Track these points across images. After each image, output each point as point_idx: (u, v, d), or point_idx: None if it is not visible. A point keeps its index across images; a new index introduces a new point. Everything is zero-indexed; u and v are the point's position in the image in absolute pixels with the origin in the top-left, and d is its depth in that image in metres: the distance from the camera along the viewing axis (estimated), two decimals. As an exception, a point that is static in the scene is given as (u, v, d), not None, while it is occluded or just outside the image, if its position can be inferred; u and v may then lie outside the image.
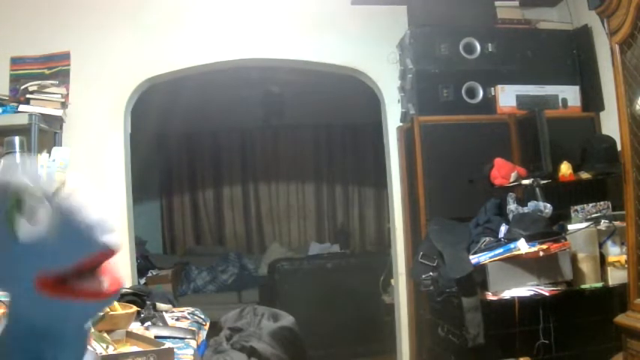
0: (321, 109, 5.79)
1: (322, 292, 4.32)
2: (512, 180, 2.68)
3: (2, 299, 1.59)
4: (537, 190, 2.59)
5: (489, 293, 2.31)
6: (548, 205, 2.48)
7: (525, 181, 2.67)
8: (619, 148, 2.20)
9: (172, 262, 5.91)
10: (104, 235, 0.78)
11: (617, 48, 2.02)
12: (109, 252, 0.79)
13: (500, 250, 2.32)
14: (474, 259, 2.35)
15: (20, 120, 2.59)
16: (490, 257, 2.33)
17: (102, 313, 0.91)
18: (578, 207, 2.61)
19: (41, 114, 2.65)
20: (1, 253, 0.79)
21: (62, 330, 0.83)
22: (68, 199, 0.78)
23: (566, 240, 2.38)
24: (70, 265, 0.77)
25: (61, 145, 2.79)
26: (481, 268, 2.33)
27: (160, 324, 1.99)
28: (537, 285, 2.32)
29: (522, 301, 2.28)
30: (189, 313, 2.20)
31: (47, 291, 0.77)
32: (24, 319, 0.83)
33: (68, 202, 0.78)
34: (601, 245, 2.44)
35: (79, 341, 0.87)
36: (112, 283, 0.82)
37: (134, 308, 1.87)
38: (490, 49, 3.05)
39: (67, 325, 0.83)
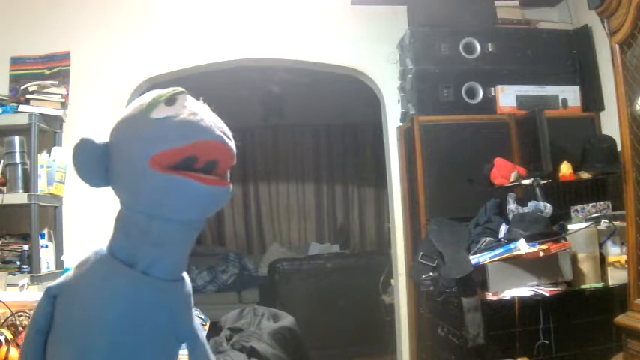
0: (321, 109, 5.79)
1: (322, 292, 4.32)
2: (512, 180, 2.68)
3: (2, 300, 1.59)
4: (537, 190, 2.59)
5: (489, 293, 2.30)
6: (548, 205, 2.48)
7: (525, 181, 2.67)
8: (619, 148, 2.20)
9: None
10: (220, 133, 0.92)
11: (617, 48, 2.02)
12: (220, 144, 0.91)
13: (500, 250, 2.32)
14: (473, 259, 2.35)
15: (20, 120, 2.60)
16: (490, 257, 2.32)
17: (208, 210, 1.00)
18: (578, 207, 2.61)
19: (41, 114, 2.65)
20: (136, 126, 0.93)
21: (167, 211, 0.93)
22: (197, 101, 0.96)
23: (566, 240, 2.38)
24: (186, 145, 0.89)
25: (61, 145, 2.79)
26: (481, 268, 2.33)
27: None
28: (537, 285, 2.32)
29: (522, 301, 2.28)
30: (189, 313, 2.20)
31: (160, 168, 0.89)
32: (134, 195, 0.95)
33: (197, 102, 0.95)
34: (601, 245, 2.44)
35: (183, 233, 0.96)
36: (219, 180, 0.93)
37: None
38: (490, 49, 3.05)
39: (176, 206, 0.92)
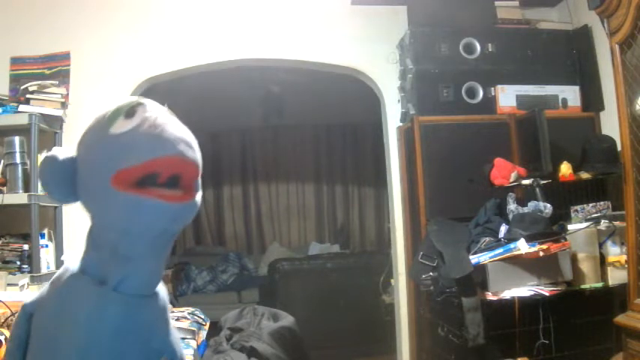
0: (321, 109, 5.79)
1: (322, 292, 4.33)
2: (512, 180, 2.68)
3: (2, 300, 1.60)
4: (537, 190, 2.59)
5: (489, 293, 2.30)
6: (548, 205, 2.48)
7: (525, 181, 2.67)
8: (619, 148, 2.20)
9: (172, 262, 5.91)
10: (181, 146, 0.89)
11: (617, 48, 2.02)
12: (181, 159, 0.88)
13: (500, 250, 2.32)
14: (473, 259, 2.35)
15: (20, 120, 2.60)
16: (490, 257, 2.32)
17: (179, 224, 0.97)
18: (578, 207, 2.61)
19: (41, 114, 2.65)
20: (96, 143, 0.92)
21: (132, 228, 0.90)
22: (160, 112, 0.93)
23: (566, 240, 2.38)
24: (146, 161, 0.86)
25: (61, 145, 2.79)
26: (481, 268, 2.33)
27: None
28: (537, 285, 2.32)
29: (522, 301, 2.28)
30: (189, 313, 2.20)
31: (121, 186, 0.86)
32: (99, 212, 0.94)
33: (159, 113, 0.92)
34: (601, 245, 2.44)
35: (152, 247, 0.93)
36: (183, 194, 0.90)
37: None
38: (490, 49, 3.05)
39: (139, 224, 0.90)
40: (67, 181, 0.94)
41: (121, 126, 0.89)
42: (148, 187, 0.87)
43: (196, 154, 0.92)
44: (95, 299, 0.92)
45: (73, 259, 1.01)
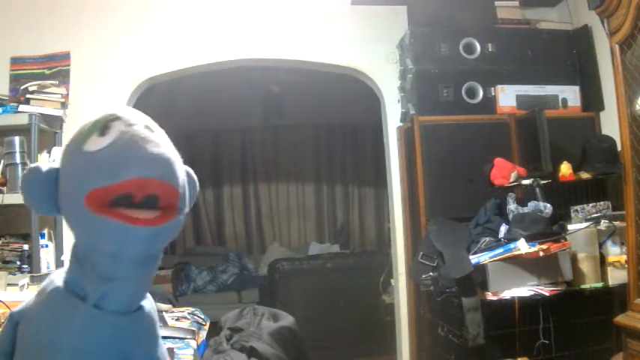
0: (321, 109, 5.79)
1: (322, 292, 4.32)
2: (512, 180, 2.68)
3: (2, 300, 1.60)
4: (537, 190, 2.59)
5: (489, 293, 2.30)
6: (548, 205, 2.48)
7: (525, 181, 2.67)
8: (619, 148, 2.20)
9: (172, 262, 5.91)
10: (157, 166, 0.85)
11: (617, 48, 2.02)
12: (156, 181, 0.84)
13: (500, 250, 2.32)
14: (473, 259, 2.35)
15: (20, 120, 2.59)
16: (490, 257, 2.32)
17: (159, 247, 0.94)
18: (578, 207, 2.61)
19: (41, 114, 2.65)
20: (71, 159, 0.89)
21: (108, 249, 0.88)
22: (138, 126, 0.88)
23: (566, 240, 2.38)
24: (118, 182, 0.82)
25: (61, 145, 2.79)
26: (481, 268, 2.33)
27: (160, 324, 1.99)
28: (537, 285, 2.32)
29: (522, 301, 2.28)
30: (189, 313, 2.20)
31: (93, 207, 0.83)
32: (76, 230, 0.91)
33: (135, 129, 0.87)
34: (601, 245, 2.44)
35: (132, 268, 0.90)
36: (159, 216, 0.86)
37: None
38: (490, 49, 3.05)
39: (110, 246, 0.87)
40: (49, 193, 0.90)
41: (95, 143, 0.86)
42: (121, 208, 0.83)
43: (175, 174, 0.87)
44: (78, 316, 0.90)
45: (59, 272, 0.99)
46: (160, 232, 0.87)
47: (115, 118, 0.88)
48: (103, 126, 0.87)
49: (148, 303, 0.99)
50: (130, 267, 0.89)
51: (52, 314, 0.93)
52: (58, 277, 0.97)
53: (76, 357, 0.89)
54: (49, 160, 2.55)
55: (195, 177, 1.02)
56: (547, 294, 2.28)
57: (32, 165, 0.93)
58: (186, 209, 0.93)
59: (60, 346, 0.90)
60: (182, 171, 0.91)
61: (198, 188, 1.04)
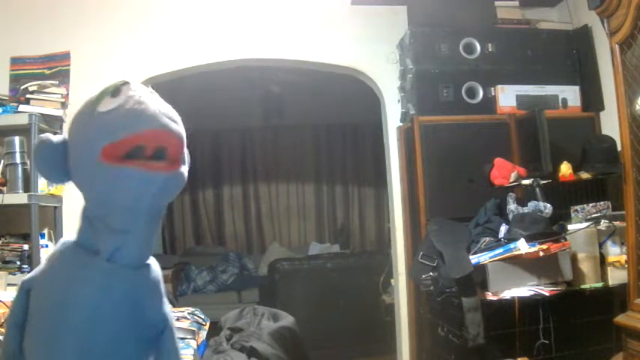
0: (321, 109, 5.79)
1: (322, 292, 4.32)
2: (512, 180, 2.68)
3: (2, 300, 1.60)
4: (537, 190, 2.59)
5: (489, 293, 2.30)
6: (548, 205, 2.48)
7: (525, 181, 2.67)
8: (619, 148, 2.20)
9: (172, 262, 5.91)
10: (164, 119, 0.93)
11: (617, 48, 2.02)
12: (165, 131, 0.93)
13: (500, 250, 2.32)
14: (473, 259, 2.35)
15: (20, 120, 2.59)
16: (490, 257, 2.32)
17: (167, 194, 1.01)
18: (578, 207, 2.61)
19: (41, 114, 2.65)
20: (85, 121, 0.98)
21: (121, 200, 0.95)
22: (144, 90, 0.98)
23: (566, 240, 2.38)
24: (131, 135, 0.91)
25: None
26: (481, 268, 2.33)
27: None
28: (537, 285, 2.32)
29: (522, 301, 2.28)
30: (189, 313, 2.20)
31: (109, 160, 0.91)
32: (90, 188, 0.99)
33: (142, 92, 0.97)
34: (601, 245, 2.44)
35: (142, 220, 0.97)
36: (168, 164, 0.94)
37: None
38: (490, 49, 3.05)
39: (127, 195, 0.94)
40: (59, 161, 0.99)
41: (108, 104, 0.95)
42: (135, 159, 0.92)
43: (180, 128, 0.97)
44: (92, 269, 0.96)
45: (68, 237, 1.06)
46: (172, 179, 0.96)
47: (124, 83, 0.98)
48: (114, 89, 0.97)
49: (154, 261, 1.06)
50: (142, 218, 0.97)
51: (66, 271, 0.99)
52: (68, 241, 1.04)
53: (91, 310, 0.95)
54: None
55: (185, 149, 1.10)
56: (547, 294, 2.28)
57: (42, 136, 1.01)
58: (186, 169, 1.01)
59: (76, 300, 0.95)
60: (183, 128, 0.99)
61: (189, 157, 1.10)
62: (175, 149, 0.96)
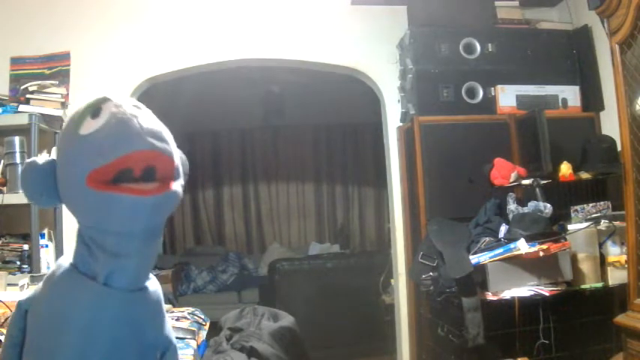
0: (321, 109, 5.79)
1: (322, 292, 4.32)
2: (512, 180, 2.68)
3: (2, 300, 1.59)
4: (537, 190, 2.59)
5: (489, 293, 2.30)
6: (548, 205, 2.48)
7: (525, 181, 2.67)
8: (619, 148, 2.20)
9: (172, 262, 5.91)
10: (149, 138, 0.89)
11: (617, 48, 2.02)
12: (151, 152, 0.89)
13: (501, 250, 2.32)
14: (473, 259, 2.35)
15: (20, 120, 2.60)
16: (490, 257, 2.32)
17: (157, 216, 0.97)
18: (578, 207, 2.61)
19: (41, 114, 2.65)
20: (68, 145, 0.93)
21: (113, 225, 0.92)
22: (127, 106, 0.92)
23: (566, 240, 2.38)
24: (115, 159, 0.87)
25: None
26: (481, 268, 2.33)
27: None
28: (537, 285, 2.32)
29: (522, 301, 2.28)
30: (189, 313, 2.20)
31: (96, 186, 0.87)
32: (80, 213, 0.95)
33: (125, 108, 0.91)
34: (601, 245, 2.44)
35: (137, 243, 0.94)
36: (159, 186, 0.90)
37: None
38: (490, 49, 3.05)
39: (117, 221, 0.91)
40: (47, 184, 0.95)
41: (89, 126, 0.90)
42: (123, 183, 0.87)
43: (168, 144, 0.92)
44: (90, 294, 0.94)
45: (65, 257, 1.03)
46: (162, 202, 0.92)
47: (105, 100, 0.93)
48: (94, 109, 0.92)
49: (153, 283, 1.03)
50: (135, 242, 0.93)
51: (63, 294, 0.97)
52: (65, 262, 1.01)
53: (88, 333, 0.93)
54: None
55: (183, 156, 1.05)
56: (547, 294, 2.28)
57: (29, 160, 0.97)
58: (182, 182, 0.97)
59: (72, 323, 0.93)
60: (173, 142, 0.95)
61: (187, 164, 1.07)
62: (165, 168, 0.91)
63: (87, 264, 0.96)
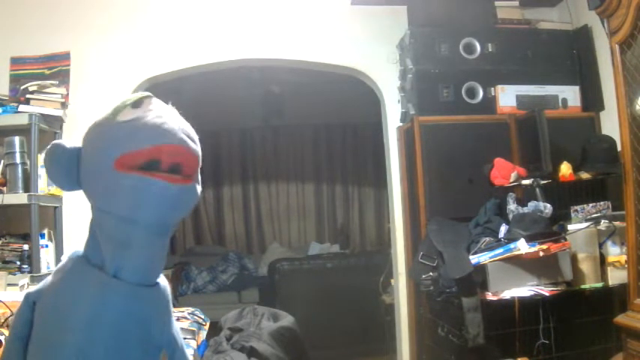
0: (321, 109, 5.79)
1: (322, 292, 4.32)
2: (512, 180, 2.68)
3: (2, 300, 1.60)
4: (537, 190, 2.59)
5: (489, 293, 2.30)
6: (548, 205, 2.48)
7: (525, 181, 2.67)
8: (619, 148, 2.20)
9: (172, 262, 5.91)
10: (183, 136, 0.94)
11: (617, 48, 2.02)
12: (183, 147, 0.93)
13: (500, 250, 2.32)
14: (473, 259, 2.35)
15: (20, 120, 2.60)
16: (490, 257, 2.32)
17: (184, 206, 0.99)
18: (578, 207, 2.61)
19: (41, 114, 2.65)
20: (103, 130, 0.96)
21: (133, 212, 0.93)
22: (165, 106, 0.98)
23: (566, 240, 2.38)
24: (149, 147, 0.90)
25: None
26: (481, 268, 2.33)
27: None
28: (537, 285, 2.32)
29: (522, 301, 2.28)
30: (189, 313, 2.20)
31: (123, 169, 0.90)
32: (101, 197, 0.96)
33: (163, 106, 0.97)
34: (601, 245, 2.44)
35: (150, 235, 0.96)
36: (183, 178, 0.93)
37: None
38: (490, 49, 3.05)
39: (141, 206, 0.92)
40: (71, 167, 0.98)
41: (128, 114, 0.95)
42: (150, 171, 0.91)
43: (197, 146, 0.97)
44: (98, 285, 0.94)
45: (77, 249, 1.04)
46: (185, 193, 0.95)
47: (147, 96, 0.98)
48: (136, 100, 0.96)
49: (163, 281, 1.05)
50: (148, 233, 0.95)
51: (70, 285, 0.98)
52: (76, 254, 1.03)
53: (92, 325, 0.93)
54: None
55: None
56: (547, 294, 2.28)
57: (55, 141, 1.00)
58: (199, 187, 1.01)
59: (76, 314, 0.93)
60: (199, 146, 0.99)
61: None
62: (191, 166, 0.95)
63: (97, 254, 0.97)
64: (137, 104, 0.96)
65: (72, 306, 0.94)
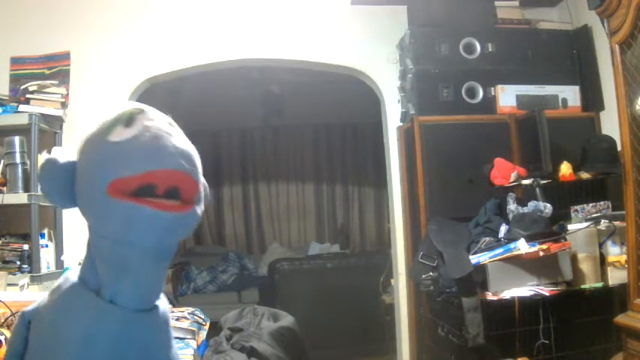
0: (321, 109, 5.79)
1: (322, 292, 4.32)
2: (512, 180, 2.68)
3: (2, 300, 1.59)
4: (537, 190, 2.59)
5: (489, 293, 2.30)
6: (548, 205, 2.48)
7: (525, 181, 2.67)
8: (619, 148, 2.20)
9: (172, 262, 5.90)
10: (180, 159, 0.87)
11: (617, 48, 2.02)
12: (179, 173, 0.87)
13: (500, 250, 2.32)
14: (473, 259, 2.35)
15: (20, 120, 2.60)
16: (490, 257, 2.32)
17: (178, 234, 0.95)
18: (578, 207, 2.61)
19: (41, 114, 2.65)
20: (94, 150, 0.90)
21: (127, 237, 0.88)
22: (161, 121, 0.90)
23: (566, 240, 2.38)
24: (143, 172, 0.85)
25: (61, 145, 2.79)
26: (481, 268, 2.33)
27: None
28: (537, 285, 2.32)
29: (522, 301, 2.28)
30: (189, 313, 2.20)
31: (116, 195, 0.85)
32: (95, 220, 0.91)
33: (159, 124, 0.90)
34: (601, 245, 2.44)
35: (149, 260, 0.91)
36: (180, 205, 0.88)
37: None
38: (490, 49, 3.05)
39: (134, 233, 0.87)
40: (66, 185, 0.91)
41: (120, 134, 0.88)
42: (145, 197, 0.85)
43: (196, 168, 0.91)
44: (93, 311, 0.91)
45: (73, 271, 1.00)
46: (183, 220, 0.90)
47: (140, 112, 0.90)
48: (128, 118, 0.89)
49: (163, 304, 1.00)
50: (145, 258, 0.90)
51: (67, 308, 0.94)
52: (72, 275, 0.98)
53: (85, 351, 0.90)
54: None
55: (206, 184, 1.02)
56: (547, 294, 2.28)
57: (49, 156, 0.93)
58: (202, 208, 0.95)
59: (70, 339, 0.90)
60: (200, 167, 0.93)
61: (209, 193, 1.04)
62: (189, 191, 0.89)
63: (93, 277, 0.93)
64: (130, 122, 0.88)
65: (67, 332, 0.91)
